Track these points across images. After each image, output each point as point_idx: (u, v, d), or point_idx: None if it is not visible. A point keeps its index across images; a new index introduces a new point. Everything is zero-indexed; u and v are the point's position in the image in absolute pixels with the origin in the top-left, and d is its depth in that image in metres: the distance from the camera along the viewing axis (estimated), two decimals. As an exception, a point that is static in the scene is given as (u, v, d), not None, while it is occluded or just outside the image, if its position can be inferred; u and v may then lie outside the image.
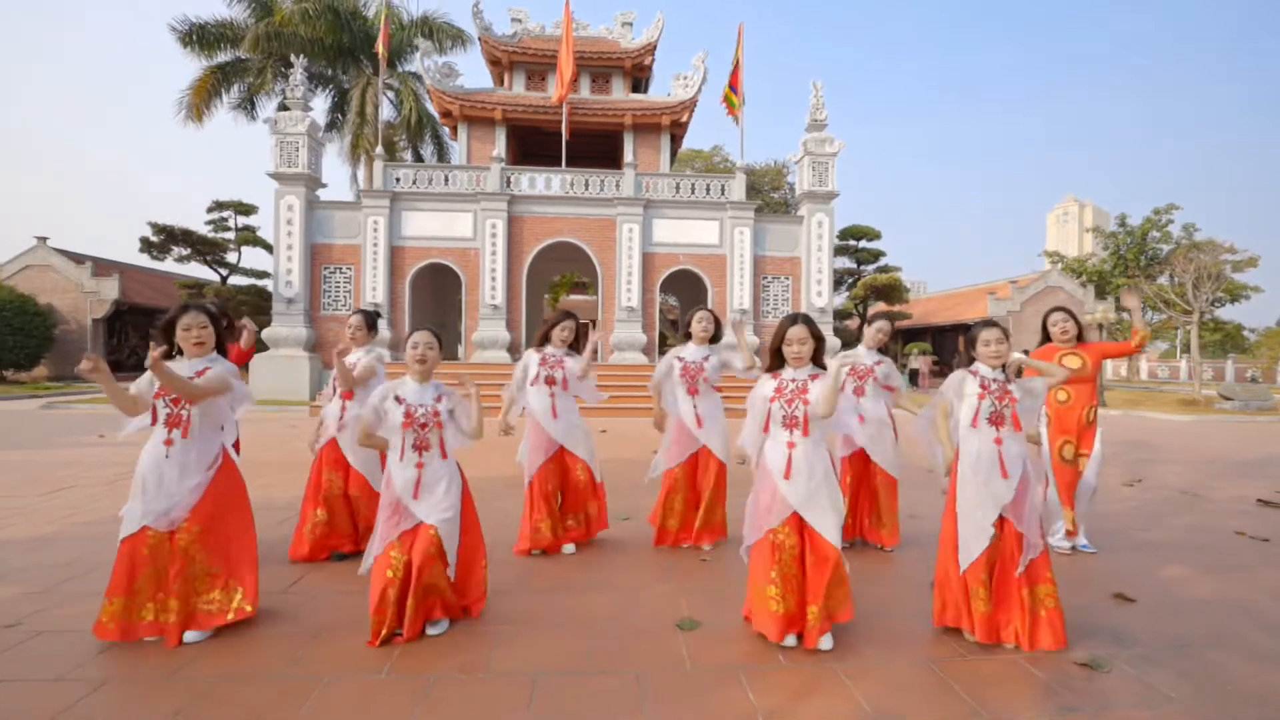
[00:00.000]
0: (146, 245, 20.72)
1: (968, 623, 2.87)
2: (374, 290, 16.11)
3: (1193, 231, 30.41)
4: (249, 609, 2.93)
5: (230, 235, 21.06)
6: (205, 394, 2.83)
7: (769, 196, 33.49)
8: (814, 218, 16.97)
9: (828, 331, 17.05)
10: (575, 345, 4.42)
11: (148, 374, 2.79)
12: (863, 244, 21.94)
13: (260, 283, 22.10)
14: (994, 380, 2.95)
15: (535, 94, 19.05)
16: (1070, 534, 4.26)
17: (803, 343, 2.87)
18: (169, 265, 22.46)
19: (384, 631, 2.79)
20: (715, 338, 4.33)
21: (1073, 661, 2.71)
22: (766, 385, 2.94)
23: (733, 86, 17.10)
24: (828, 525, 2.75)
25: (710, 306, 4.93)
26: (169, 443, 2.82)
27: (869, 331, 4.39)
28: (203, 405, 2.87)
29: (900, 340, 30.71)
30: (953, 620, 2.92)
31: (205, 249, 20.73)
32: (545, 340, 4.24)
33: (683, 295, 20.68)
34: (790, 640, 2.78)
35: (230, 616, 2.89)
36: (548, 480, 4.13)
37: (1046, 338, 4.46)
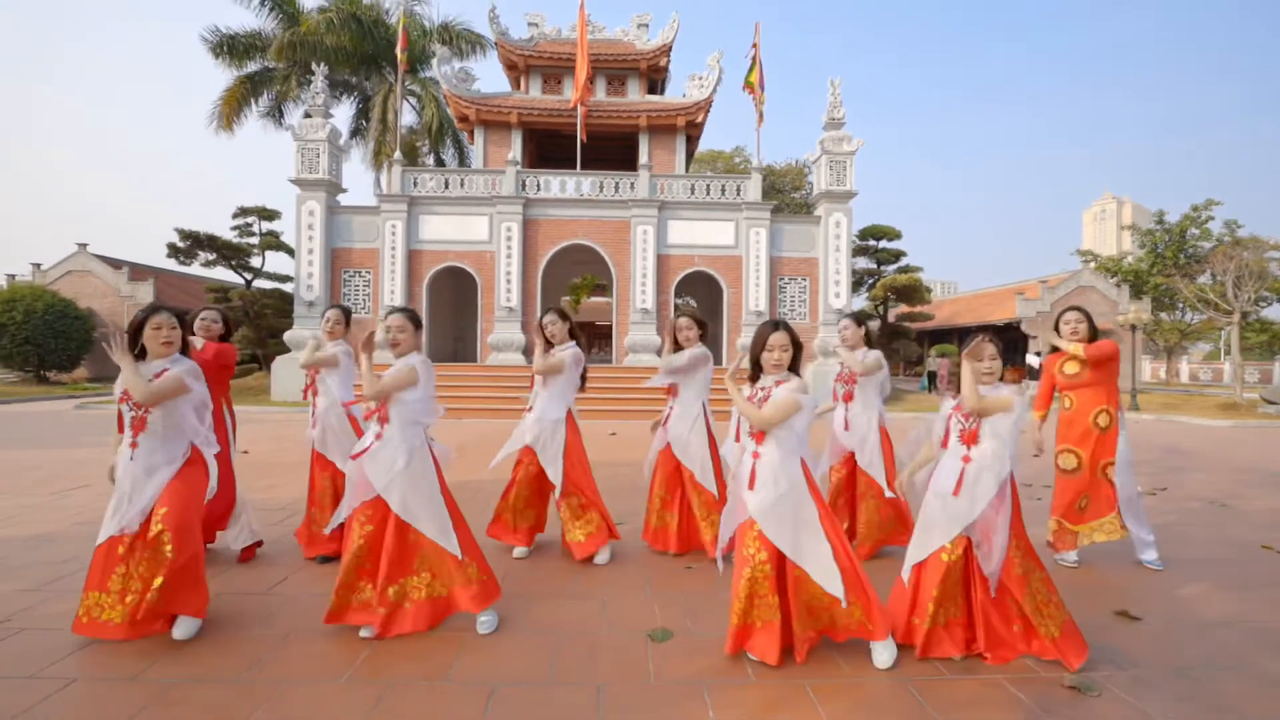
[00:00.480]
0: (174, 250, 21.35)
1: (900, 633, 2.80)
2: (392, 293, 16.34)
3: (1235, 228, 29.21)
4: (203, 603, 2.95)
5: (254, 240, 21.59)
6: (161, 396, 2.84)
7: (790, 197, 33.12)
8: (831, 217, 16.69)
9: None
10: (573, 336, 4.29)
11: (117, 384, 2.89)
12: (883, 244, 21.52)
13: (283, 286, 22.63)
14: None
15: (551, 97, 19.14)
16: (1054, 546, 4.08)
17: (784, 349, 2.77)
18: (196, 269, 23.13)
19: (340, 606, 2.90)
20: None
21: (1061, 684, 2.56)
22: (740, 395, 2.86)
23: (757, 84, 16.91)
24: (784, 539, 2.66)
25: (692, 309, 4.79)
26: (134, 445, 2.88)
27: (840, 333, 4.28)
28: (163, 407, 2.90)
29: (926, 342, 30.06)
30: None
31: (230, 254, 21.28)
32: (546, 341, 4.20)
33: (699, 297, 20.54)
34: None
35: (192, 611, 2.91)
36: (515, 473, 4.12)
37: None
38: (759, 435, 2.74)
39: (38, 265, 25.15)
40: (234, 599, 3.36)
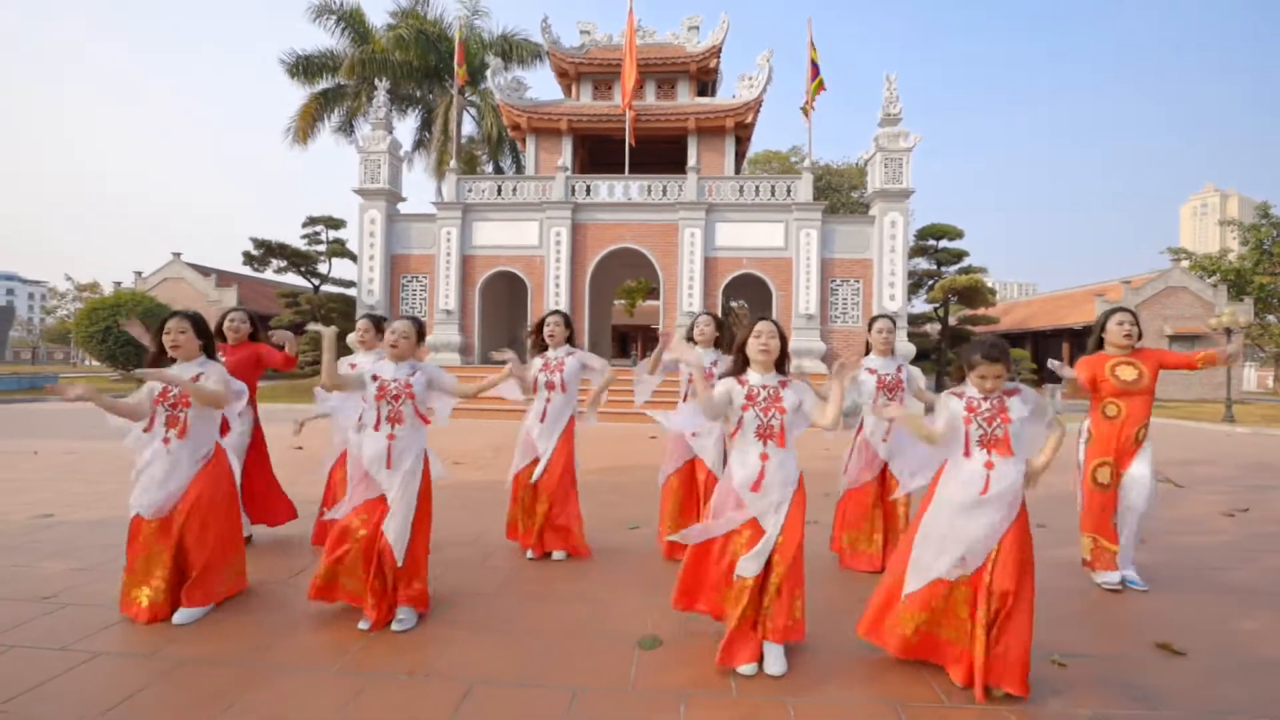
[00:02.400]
0: (248, 258, 22.89)
1: (894, 644, 2.69)
2: (446, 297, 16.93)
3: (1359, 222, 26.15)
4: (218, 596, 3.19)
5: (321, 248, 22.87)
6: (211, 398, 3.11)
7: (847, 196, 32.17)
8: (886, 217, 16.09)
9: (901, 337, 16.09)
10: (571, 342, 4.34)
11: (147, 385, 3.13)
12: (943, 244, 20.52)
13: (348, 291, 23.88)
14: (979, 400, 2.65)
15: (601, 103, 19.36)
16: (1091, 565, 3.75)
17: (772, 336, 2.76)
18: (271, 275, 24.74)
19: (325, 587, 3.04)
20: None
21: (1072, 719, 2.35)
22: (736, 391, 2.77)
23: (816, 81, 16.57)
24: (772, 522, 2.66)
25: (707, 309, 4.69)
26: (166, 441, 3.10)
27: (871, 336, 4.06)
28: (199, 406, 3.12)
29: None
30: (875, 638, 2.77)
31: (299, 261, 22.63)
32: (541, 342, 4.22)
33: (748, 300, 20.23)
34: (749, 669, 2.61)
35: (199, 600, 3.10)
36: (522, 483, 4.12)
37: (1099, 343, 3.93)
38: (781, 435, 2.67)
39: (139, 273, 27.61)
40: (253, 586, 3.55)
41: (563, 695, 2.47)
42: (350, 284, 23.64)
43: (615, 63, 18.81)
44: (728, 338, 4.06)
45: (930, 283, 20.78)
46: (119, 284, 27.32)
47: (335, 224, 22.59)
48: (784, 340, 2.81)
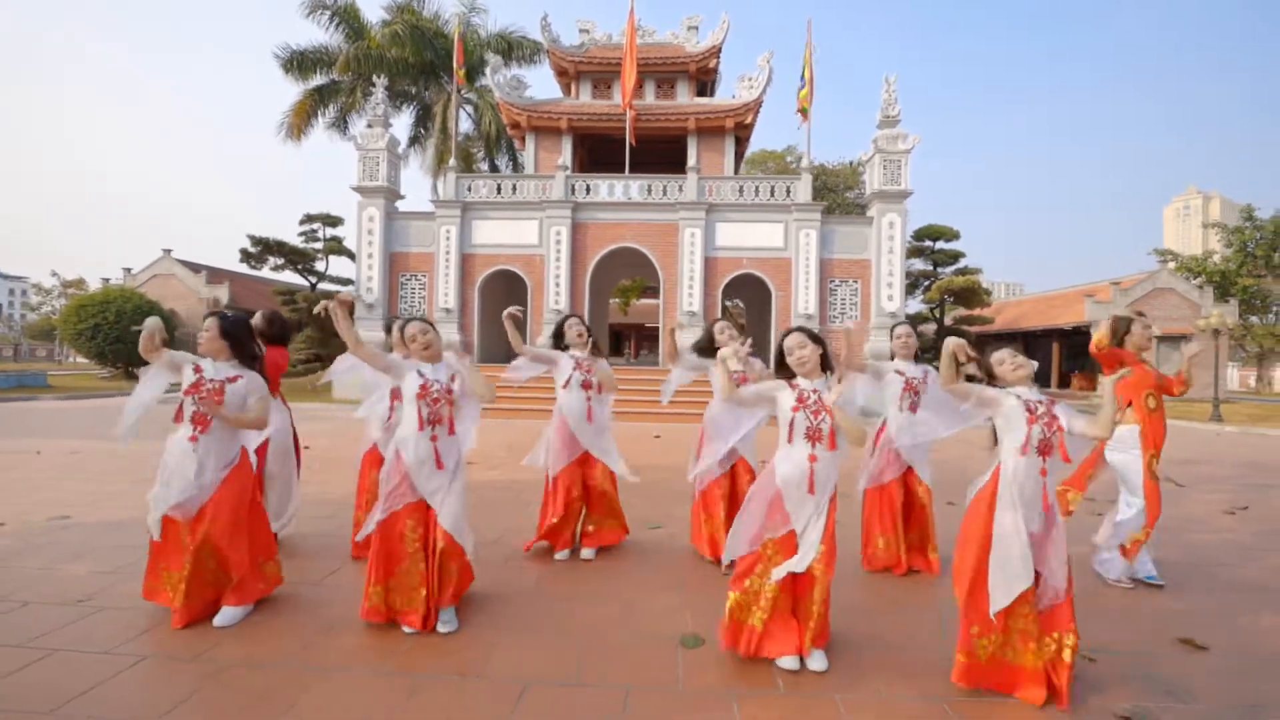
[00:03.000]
0: (245, 255, 22.68)
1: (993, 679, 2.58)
2: (445, 296, 16.87)
3: (1340, 225, 26.72)
4: (255, 595, 3.19)
5: (319, 245, 22.71)
6: (252, 423, 3.16)
7: (843, 197, 32.37)
8: (885, 218, 16.23)
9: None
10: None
11: (185, 373, 3.14)
12: (940, 245, 20.74)
13: (346, 289, 23.72)
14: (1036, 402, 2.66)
15: (601, 102, 19.35)
16: (1127, 552, 3.82)
17: (801, 347, 2.79)
18: (267, 273, 24.50)
19: (381, 607, 3.04)
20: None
21: (1113, 714, 2.42)
22: (785, 394, 2.79)
23: (807, 88, 16.66)
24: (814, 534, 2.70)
25: (740, 310, 4.73)
26: (194, 439, 3.07)
27: (894, 343, 4.14)
28: (233, 409, 3.12)
29: (985, 347, 28.76)
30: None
31: (297, 258, 22.47)
32: (561, 340, 4.26)
33: (747, 300, 20.32)
34: (791, 663, 2.67)
35: (235, 601, 3.11)
36: (571, 483, 4.14)
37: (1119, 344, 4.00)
38: (830, 438, 2.70)
39: (128, 270, 27.23)
40: (289, 588, 3.54)
41: (616, 694, 2.51)
42: (348, 281, 23.51)
43: (614, 62, 18.80)
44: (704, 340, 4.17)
45: (926, 283, 21.01)
46: (107, 280, 26.94)
47: (333, 221, 22.45)
48: (821, 342, 2.84)
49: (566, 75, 19.78)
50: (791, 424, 2.75)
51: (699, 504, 4.17)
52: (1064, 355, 27.40)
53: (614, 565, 4.11)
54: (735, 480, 4.04)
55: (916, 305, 21.98)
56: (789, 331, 2.87)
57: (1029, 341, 28.82)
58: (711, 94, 20.63)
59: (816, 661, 2.70)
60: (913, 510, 4.07)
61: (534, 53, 23.71)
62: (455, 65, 18.07)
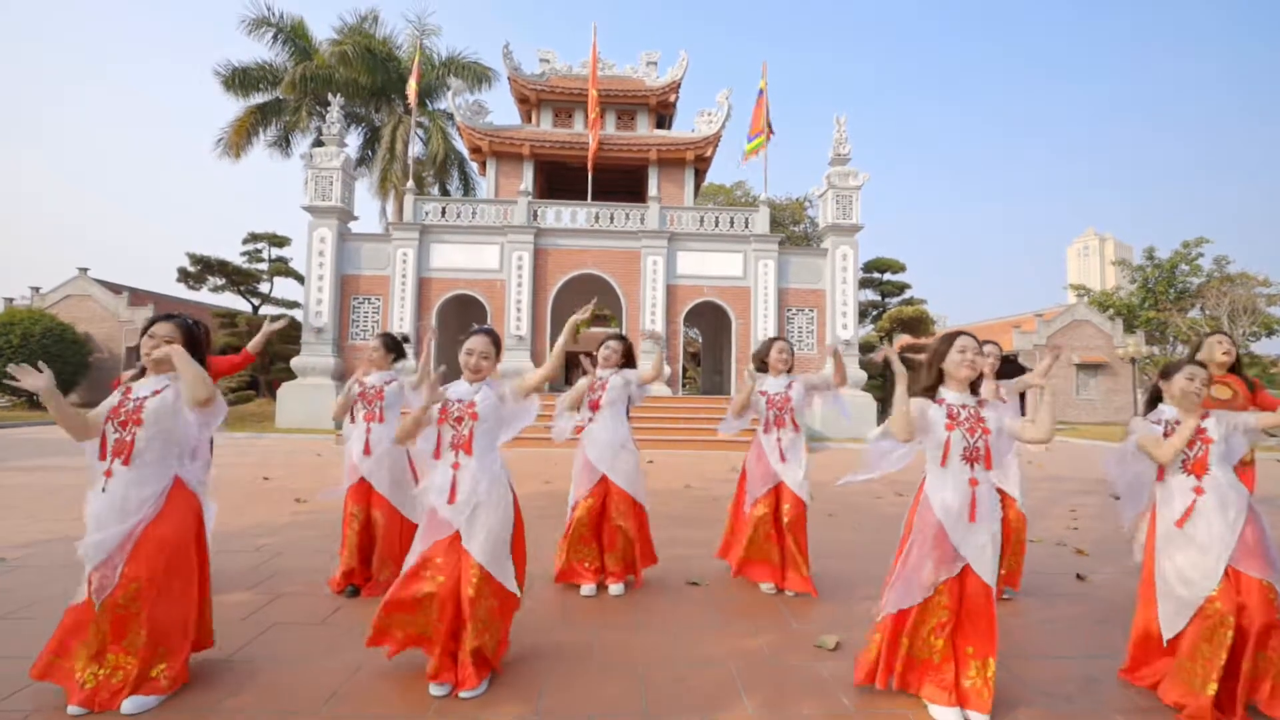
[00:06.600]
0: (184, 275, 21.31)
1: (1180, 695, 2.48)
2: (401, 320, 16.30)
3: (1225, 265, 29.87)
4: (164, 684, 2.44)
5: (264, 266, 21.59)
6: (208, 387, 2.52)
7: (790, 230, 33.61)
8: (838, 250, 16.94)
9: (853, 365, 16.85)
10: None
11: (110, 397, 2.58)
12: (887, 276, 21.83)
13: (290, 312, 22.56)
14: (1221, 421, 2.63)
15: (562, 130, 19.50)
16: None
17: (976, 353, 2.62)
18: (203, 295, 23.02)
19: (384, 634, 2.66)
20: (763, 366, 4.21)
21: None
22: (934, 411, 2.57)
23: (757, 131, 17.31)
24: (987, 565, 2.46)
25: (780, 336, 4.83)
26: (109, 474, 2.46)
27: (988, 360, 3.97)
28: (163, 428, 2.53)
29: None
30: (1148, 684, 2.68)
31: (240, 280, 21.27)
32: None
33: (705, 328, 20.65)
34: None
35: (131, 691, 2.38)
36: (590, 510, 3.96)
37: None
38: (988, 458, 2.55)
39: (36, 289, 24.97)
40: (292, 629, 3.24)
41: (693, 727, 2.39)
42: (293, 304, 22.36)
43: (575, 91, 19.05)
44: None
45: (875, 313, 21.95)
46: (11, 300, 24.60)
47: (279, 241, 21.40)
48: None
49: (528, 103, 19.87)
50: (948, 445, 2.51)
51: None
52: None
53: (638, 594, 3.95)
54: (779, 504, 3.96)
55: (865, 333, 22.93)
56: (961, 333, 2.70)
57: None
58: (669, 126, 21.16)
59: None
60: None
61: (481, 78, 23.65)
62: (414, 86, 17.82)
